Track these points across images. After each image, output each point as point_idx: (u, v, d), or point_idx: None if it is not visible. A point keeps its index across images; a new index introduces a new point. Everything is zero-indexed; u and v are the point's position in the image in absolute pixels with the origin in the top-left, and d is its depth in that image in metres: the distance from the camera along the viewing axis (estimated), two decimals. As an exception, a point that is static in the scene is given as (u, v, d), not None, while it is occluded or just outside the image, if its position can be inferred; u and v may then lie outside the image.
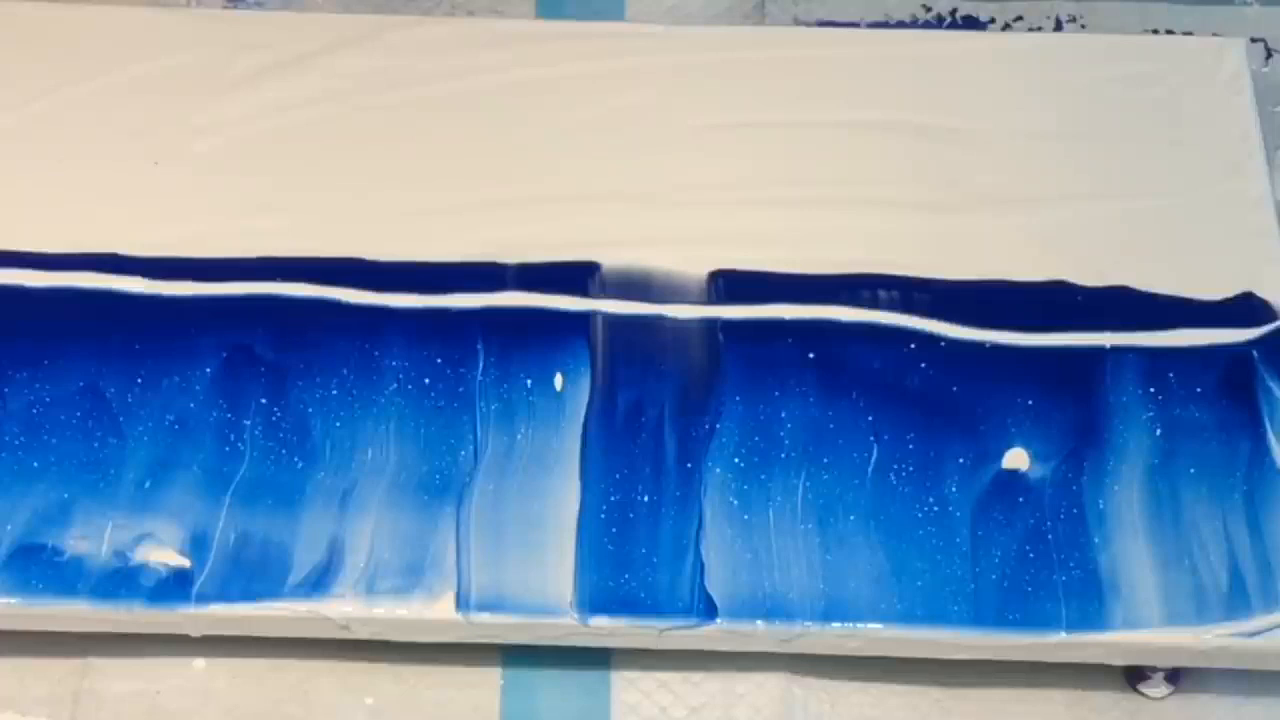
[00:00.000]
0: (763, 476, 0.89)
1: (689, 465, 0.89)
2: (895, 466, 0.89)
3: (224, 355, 0.92)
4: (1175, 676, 0.88)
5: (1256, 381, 0.92)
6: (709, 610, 0.85)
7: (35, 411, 0.90)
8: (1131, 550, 0.87)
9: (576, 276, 0.95)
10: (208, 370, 0.91)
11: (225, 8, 1.07)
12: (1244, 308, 0.94)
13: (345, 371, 0.91)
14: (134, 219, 0.96)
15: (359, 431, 0.90)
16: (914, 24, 1.09)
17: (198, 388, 0.91)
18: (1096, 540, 0.87)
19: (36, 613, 0.85)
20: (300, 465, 0.89)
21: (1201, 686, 0.88)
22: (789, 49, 1.03)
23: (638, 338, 0.93)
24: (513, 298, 0.94)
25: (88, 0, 1.04)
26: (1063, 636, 0.85)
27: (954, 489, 0.89)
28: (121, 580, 0.86)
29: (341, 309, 0.94)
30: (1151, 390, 0.92)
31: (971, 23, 1.09)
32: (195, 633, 0.86)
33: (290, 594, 0.85)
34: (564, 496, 0.88)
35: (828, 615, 0.85)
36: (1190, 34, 1.08)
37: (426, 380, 0.91)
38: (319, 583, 0.86)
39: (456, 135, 0.99)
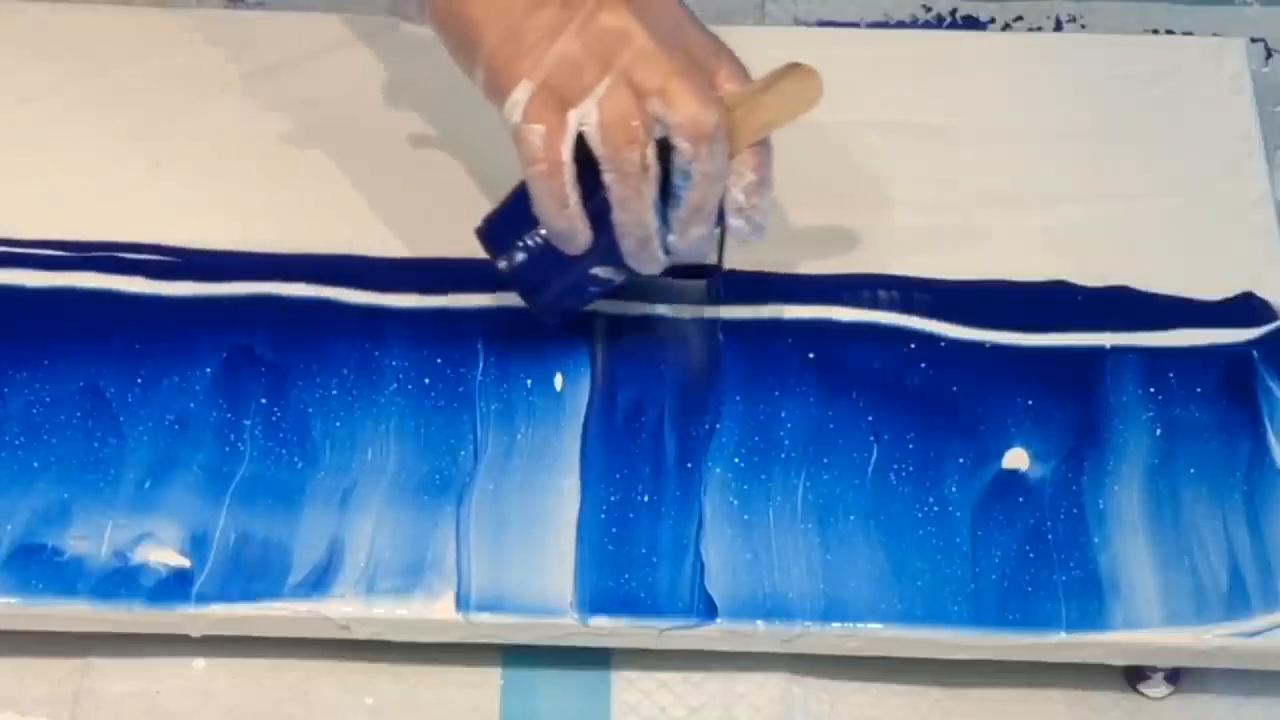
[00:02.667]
0: (763, 476, 0.89)
1: (689, 465, 0.89)
2: (895, 466, 0.89)
3: (224, 355, 0.92)
4: (1175, 676, 0.88)
5: (1256, 381, 0.92)
6: (709, 610, 0.85)
7: (35, 411, 0.90)
8: (1131, 550, 0.87)
9: (576, 276, 0.95)
10: (208, 370, 0.91)
11: (225, 8, 1.07)
12: (1244, 308, 0.94)
13: (345, 371, 0.91)
14: (134, 219, 0.96)
15: (359, 431, 0.90)
16: (914, 24, 1.09)
17: (198, 388, 0.91)
18: (1096, 540, 0.87)
19: (36, 613, 0.85)
20: (300, 465, 0.89)
21: (1201, 686, 0.88)
22: (789, 49, 1.03)
23: (638, 338, 0.93)
24: (513, 298, 0.94)
25: (88, 0, 1.04)
26: (1063, 636, 0.85)
27: (954, 489, 0.89)
28: (121, 580, 0.85)
29: (341, 309, 0.94)
30: (1151, 390, 0.92)
31: (971, 23, 1.09)
32: (195, 633, 0.86)
33: (290, 594, 0.85)
34: (564, 496, 0.88)
35: (828, 615, 0.85)
36: (1190, 34, 1.08)
37: (426, 380, 0.91)
38: (319, 583, 0.86)
39: (456, 135, 0.99)
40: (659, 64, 0.83)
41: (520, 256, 0.87)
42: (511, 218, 0.88)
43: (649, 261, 0.87)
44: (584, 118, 0.83)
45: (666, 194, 0.85)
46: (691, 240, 0.87)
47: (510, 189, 0.88)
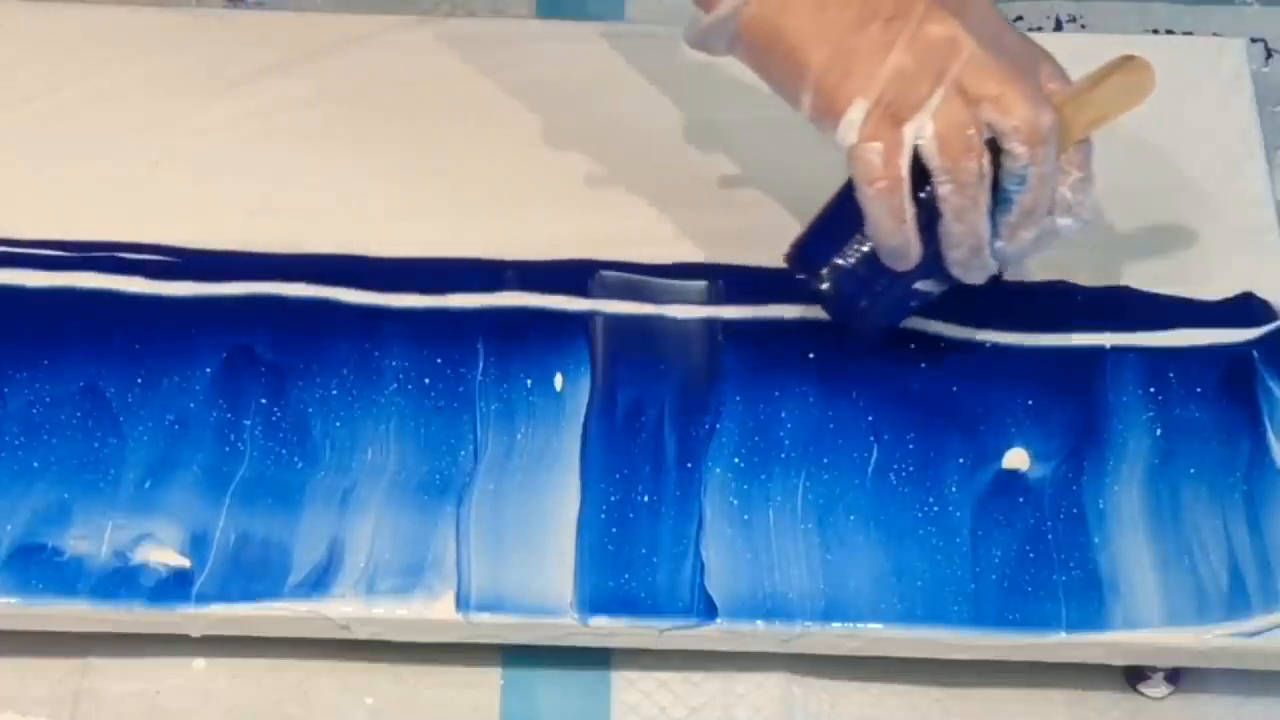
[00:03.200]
0: (763, 476, 0.89)
1: (689, 465, 0.89)
2: (895, 466, 0.89)
3: (224, 355, 0.92)
4: (1175, 676, 0.88)
5: (1256, 381, 0.92)
6: (709, 610, 0.85)
7: (35, 411, 0.90)
8: (1131, 550, 0.87)
9: (576, 276, 0.95)
10: (208, 370, 0.91)
11: (225, 8, 1.07)
12: (1244, 308, 0.94)
13: (345, 371, 0.91)
14: (134, 219, 0.96)
15: (359, 431, 0.90)
16: (914, 24, 1.08)
17: (198, 388, 0.91)
18: (1096, 540, 0.87)
19: (36, 613, 0.85)
20: (300, 465, 0.89)
21: (1201, 686, 0.88)
22: (789, 49, 1.03)
23: (638, 338, 0.93)
24: (513, 298, 0.94)
25: (88, 0, 1.04)
26: (1063, 636, 0.85)
27: (954, 489, 0.89)
28: (121, 580, 0.85)
29: (341, 309, 0.94)
30: (1151, 390, 0.92)
31: (971, 23, 1.08)
32: (195, 633, 0.86)
33: (290, 594, 0.85)
34: (564, 496, 0.88)
35: (828, 615, 0.85)
36: (1190, 34, 1.08)
37: (426, 380, 0.91)
38: (319, 583, 0.86)
39: (456, 135, 0.99)
40: (990, 70, 0.83)
41: (840, 276, 0.88)
42: (825, 238, 0.88)
43: (979, 270, 0.87)
44: (919, 131, 0.83)
45: (995, 199, 0.85)
46: (1020, 244, 0.86)
47: (816, 211, 0.89)
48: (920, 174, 0.84)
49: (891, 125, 0.83)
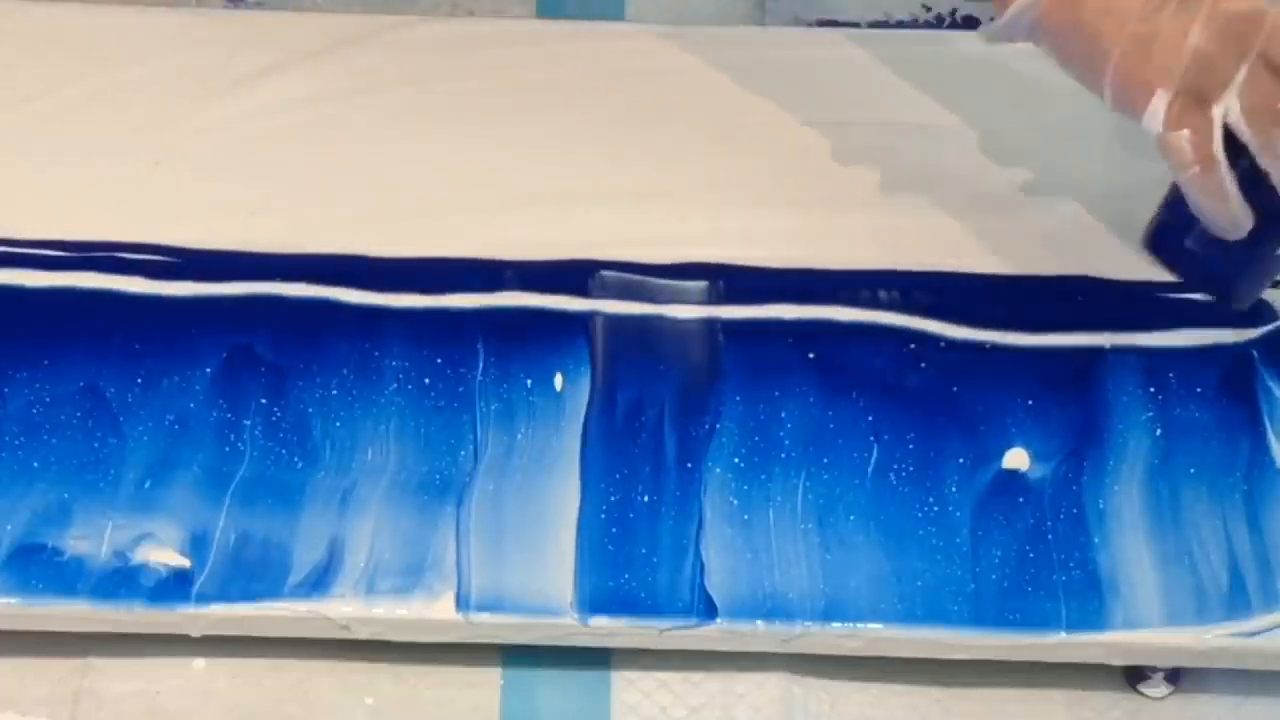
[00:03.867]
0: (763, 476, 0.89)
1: (689, 465, 0.89)
2: (895, 466, 0.89)
3: (224, 355, 0.92)
4: (1175, 676, 0.88)
5: (1256, 381, 0.92)
6: (709, 610, 0.85)
7: (35, 411, 0.90)
8: (1131, 550, 0.87)
9: (576, 276, 0.95)
10: (208, 370, 0.91)
11: (225, 8, 1.07)
12: (1244, 307, 0.94)
13: (345, 371, 0.91)
14: (134, 219, 0.96)
15: (359, 431, 0.90)
16: (914, 24, 1.09)
17: (198, 388, 0.91)
18: (1096, 540, 0.87)
19: (36, 613, 0.85)
20: (300, 465, 0.89)
21: (1201, 686, 0.88)
22: (789, 49, 1.03)
23: (638, 338, 0.93)
24: (513, 298, 0.94)
25: (88, 0, 1.05)
26: (1063, 636, 0.85)
27: (954, 489, 0.89)
28: (121, 580, 0.85)
29: (341, 309, 0.94)
30: (1151, 390, 0.92)
31: (971, 23, 1.08)
32: (195, 633, 0.86)
33: (290, 594, 0.85)
34: (564, 497, 0.88)
35: (828, 615, 0.85)
36: (1190, 34, 1.07)
37: (426, 380, 0.91)
38: (319, 583, 0.86)
39: (456, 135, 0.99)
40: None
41: (1197, 257, 0.89)
42: (1174, 219, 0.89)
43: None
44: (1226, 111, 0.83)
45: None
46: None
47: (1161, 199, 0.90)
48: (1237, 142, 0.84)
49: (1197, 108, 0.83)
